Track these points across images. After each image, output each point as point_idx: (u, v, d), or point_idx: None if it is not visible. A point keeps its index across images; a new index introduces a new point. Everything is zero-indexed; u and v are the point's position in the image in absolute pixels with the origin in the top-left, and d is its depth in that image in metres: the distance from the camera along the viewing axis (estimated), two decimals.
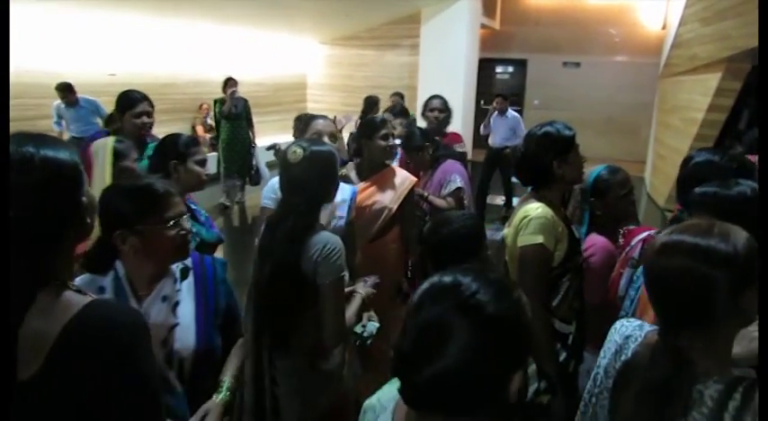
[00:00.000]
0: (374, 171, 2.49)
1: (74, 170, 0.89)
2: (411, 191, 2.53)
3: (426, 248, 1.60)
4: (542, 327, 1.60)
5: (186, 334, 1.33)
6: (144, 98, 2.78)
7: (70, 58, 6.31)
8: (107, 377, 0.84)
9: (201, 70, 7.66)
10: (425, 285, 0.86)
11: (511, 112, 6.45)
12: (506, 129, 6.25)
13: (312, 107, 9.91)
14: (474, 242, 1.55)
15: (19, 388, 0.85)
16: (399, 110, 4.35)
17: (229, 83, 6.06)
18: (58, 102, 5.85)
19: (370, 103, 6.06)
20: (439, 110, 3.50)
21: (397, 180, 2.49)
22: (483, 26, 9.18)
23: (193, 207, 2.13)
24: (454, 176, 2.88)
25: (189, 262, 1.41)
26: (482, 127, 6.52)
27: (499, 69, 11.19)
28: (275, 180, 1.94)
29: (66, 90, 5.72)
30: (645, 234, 1.85)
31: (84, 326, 0.86)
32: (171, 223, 1.29)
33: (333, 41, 9.67)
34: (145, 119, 2.73)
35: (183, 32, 7.42)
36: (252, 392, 1.63)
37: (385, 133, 2.45)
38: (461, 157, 3.33)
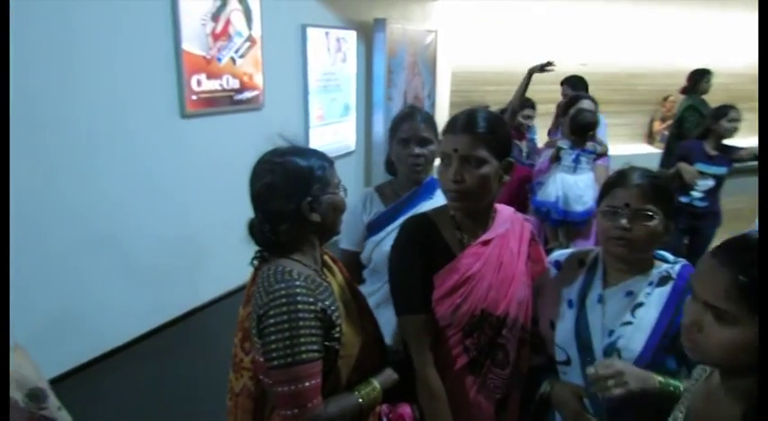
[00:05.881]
0: None
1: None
2: None
3: None
4: None
5: (636, 337, 1.29)
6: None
7: (545, 49, 6.87)
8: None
9: (671, 60, 7.14)
10: None
11: None
12: None
13: None
14: None
15: None
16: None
17: (705, 78, 5.28)
18: None
19: None
20: None
21: None
22: None
23: None
24: None
25: (674, 271, 1.34)
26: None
27: None
28: None
29: None
30: None
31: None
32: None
33: None
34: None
35: (654, 20, 7.05)
36: None
37: None
38: None
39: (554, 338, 1.41)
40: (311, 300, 1.15)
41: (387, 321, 1.72)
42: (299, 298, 1.14)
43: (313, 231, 1.28)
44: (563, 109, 3.46)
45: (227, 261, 1.61)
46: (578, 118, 3.23)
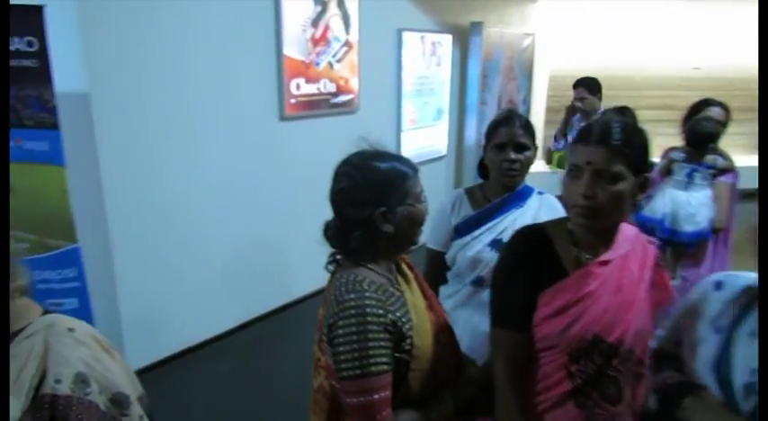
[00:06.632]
0: None
1: None
2: None
3: None
4: None
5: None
6: None
7: (651, 52, 6.45)
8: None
9: None
10: None
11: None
12: None
13: None
14: None
15: None
16: None
17: None
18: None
19: None
20: None
21: None
22: None
23: None
24: None
25: None
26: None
27: None
28: None
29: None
30: None
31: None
32: None
33: None
34: None
35: None
36: None
37: None
38: None
39: (695, 363, 1.27)
40: (381, 312, 1.13)
41: (465, 323, 1.70)
42: (368, 309, 1.11)
43: (387, 241, 1.23)
44: (688, 114, 3.07)
45: (320, 261, 1.62)
46: (695, 128, 2.92)
